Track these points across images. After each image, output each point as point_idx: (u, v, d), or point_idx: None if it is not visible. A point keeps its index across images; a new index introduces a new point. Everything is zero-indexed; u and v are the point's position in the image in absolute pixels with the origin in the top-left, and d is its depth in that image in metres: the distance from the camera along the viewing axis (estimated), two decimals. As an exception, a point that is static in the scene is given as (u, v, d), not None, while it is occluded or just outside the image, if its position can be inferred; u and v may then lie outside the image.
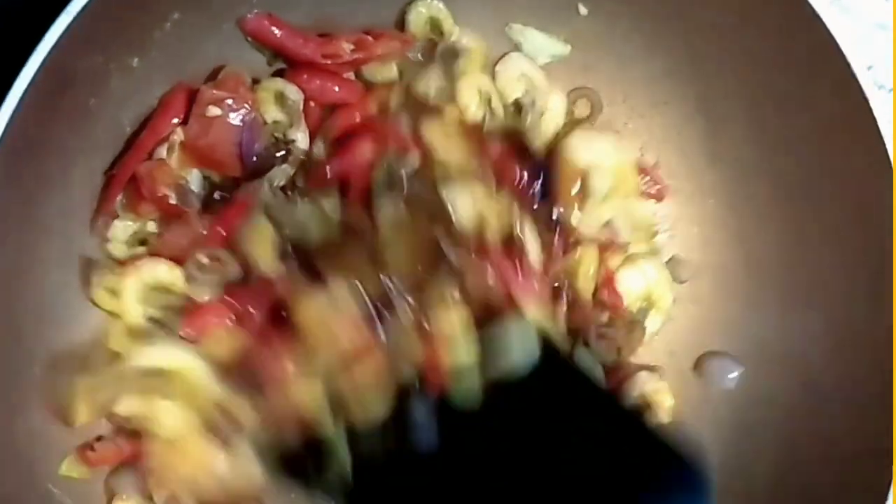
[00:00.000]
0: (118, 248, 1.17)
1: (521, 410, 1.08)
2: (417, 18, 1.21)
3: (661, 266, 1.25)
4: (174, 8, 1.11)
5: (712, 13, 1.15)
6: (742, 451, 1.22)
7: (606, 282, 1.22)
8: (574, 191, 1.20)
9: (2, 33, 1.13)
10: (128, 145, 1.15)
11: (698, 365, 1.25)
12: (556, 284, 1.20)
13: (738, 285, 1.24)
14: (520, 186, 1.20)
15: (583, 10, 1.22)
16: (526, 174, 1.20)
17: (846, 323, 1.15)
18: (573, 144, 1.21)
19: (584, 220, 1.21)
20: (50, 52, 0.99)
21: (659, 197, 1.25)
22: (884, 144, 1.08)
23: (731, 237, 1.24)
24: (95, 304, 1.16)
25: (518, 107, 1.24)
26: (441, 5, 1.21)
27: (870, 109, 1.07)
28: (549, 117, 1.24)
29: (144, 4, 1.09)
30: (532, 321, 1.10)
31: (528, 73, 1.23)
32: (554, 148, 1.22)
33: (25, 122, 1.00)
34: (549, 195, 1.20)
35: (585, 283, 1.21)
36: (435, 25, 1.22)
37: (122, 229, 1.17)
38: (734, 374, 1.24)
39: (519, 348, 1.08)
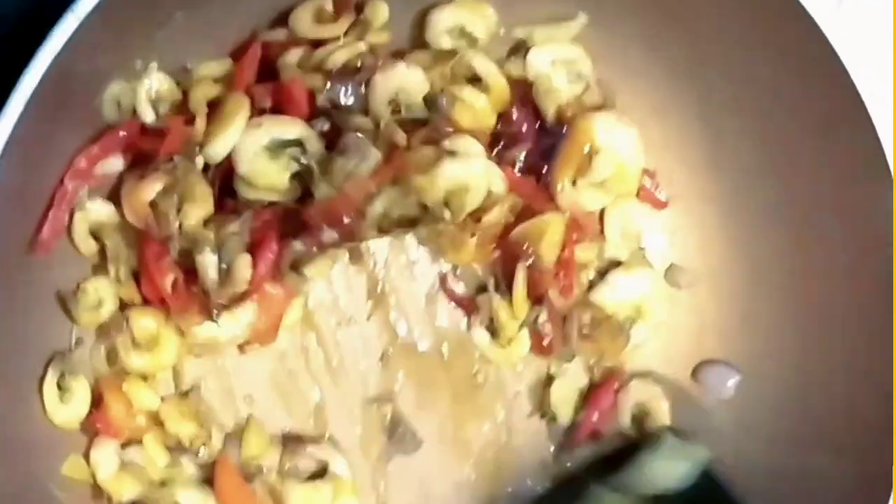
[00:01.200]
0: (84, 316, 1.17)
1: None
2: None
3: (653, 277, 1.25)
4: (177, 9, 1.12)
5: (712, 20, 1.16)
6: (740, 459, 1.22)
7: (566, 263, 1.22)
8: (575, 163, 1.21)
9: (8, 34, 1.15)
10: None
11: (696, 373, 1.26)
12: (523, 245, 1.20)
13: (737, 293, 1.25)
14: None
15: (582, 18, 1.22)
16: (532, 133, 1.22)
17: (846, 329, 1.16)
18: (598, 119, 1.21)
19: (569, 196, 1.21)
20: (56, 54, 1.00)
21: (659, 205, 1.26)
22: (882, 151, 1.08)
23: (730, 244, 1.25)
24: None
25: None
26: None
27: (869, 117, 1.08)
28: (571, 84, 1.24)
29: (148, 6, 1.10)
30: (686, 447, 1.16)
31: (561, 54, 1.23)
32: (572, 117, 1.22)
33: (30, 122, 1.00)
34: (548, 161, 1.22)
35: (548, 250, 1.20)
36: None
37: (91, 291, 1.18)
38: (732, 382, 1.24)
39: (671, 474, 1.16)
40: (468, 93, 1.19)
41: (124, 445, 1.18)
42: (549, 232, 1.19)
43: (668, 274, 1.27)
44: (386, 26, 1.20)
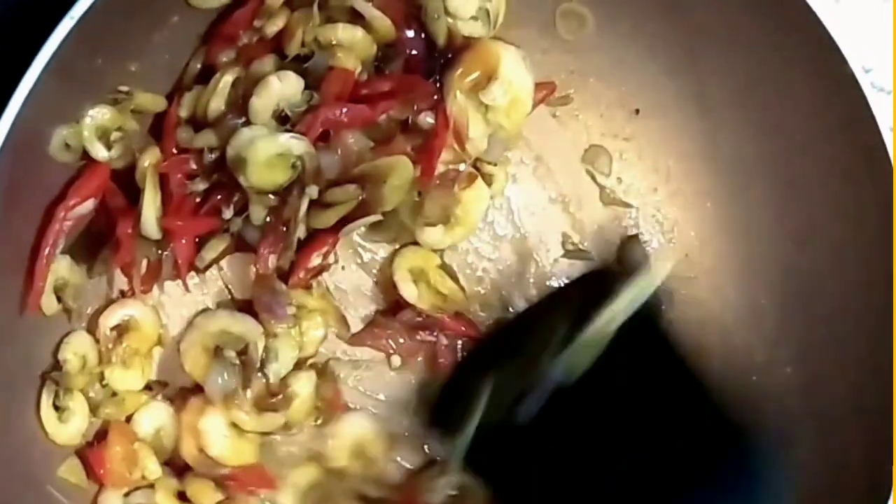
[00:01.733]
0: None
1: (609, 379, 1.12)
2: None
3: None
4: (173, 12, 1.12)
5: (712, 15, 1.15)
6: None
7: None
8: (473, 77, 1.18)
9: (6, 36, 1.14)
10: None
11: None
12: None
13: (736, 289, 1.24)
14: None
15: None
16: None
17: (845, 326, 1.16)
18: (508, 49, 1.18)
19: (460, 104, 1.18)
20: (52, 56, 0.99)
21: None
22: (884, 147, 1.07)
23: (729, 240, 1.24)
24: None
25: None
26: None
27: (870, 112, 1.07)
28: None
29: (144, 8, 1.09)
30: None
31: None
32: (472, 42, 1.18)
33: (27, 125, 1.00)
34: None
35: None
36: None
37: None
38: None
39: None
40: (342, 32, 1.14)
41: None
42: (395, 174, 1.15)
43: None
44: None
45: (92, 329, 1.18)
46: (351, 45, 1.15)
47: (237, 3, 1.14)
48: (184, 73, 1.16)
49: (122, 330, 1.17)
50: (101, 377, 1.17)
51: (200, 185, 1.13)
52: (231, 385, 1.14)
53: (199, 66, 1.16)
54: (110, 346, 1.16)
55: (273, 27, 1.13)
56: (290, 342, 1.16)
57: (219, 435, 1.15)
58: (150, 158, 1.13)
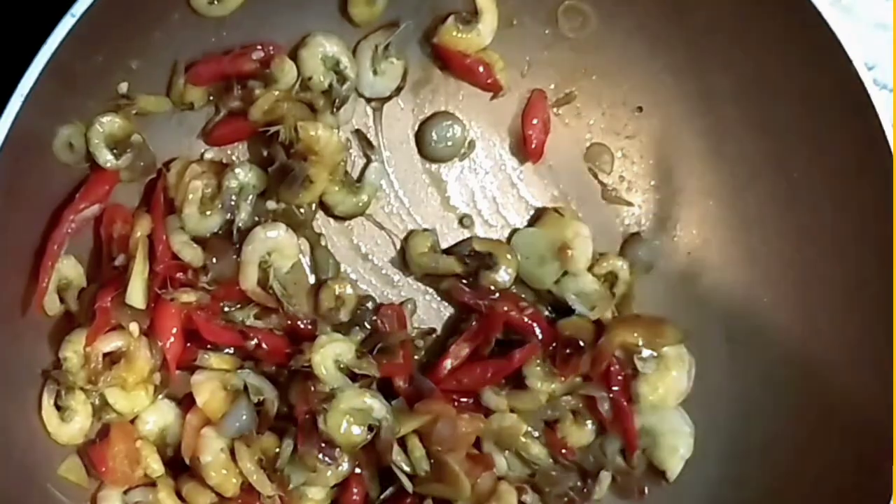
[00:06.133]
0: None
1: None
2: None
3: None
4: (174, 9, 1.11)
5: (714, 13, 1.15)
6: (743, 451, 1.23)
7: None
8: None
9: (7, 34, 1.14)
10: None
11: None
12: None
13: (738, 285, 1.24)
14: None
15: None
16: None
17: (847, 322, 1.16)
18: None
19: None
20: (53, 53, 0.99)
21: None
22: (886, 143, 1.08)
23: (731, 237, 1.24)
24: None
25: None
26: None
27: (872, 109, 1.07)
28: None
29: (145, 5, 1.09)
30: None
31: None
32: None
33: (28, 122, 1.00)
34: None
35: None
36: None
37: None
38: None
39: None
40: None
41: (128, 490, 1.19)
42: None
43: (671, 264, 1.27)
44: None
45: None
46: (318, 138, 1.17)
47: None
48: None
49: (114, 357, 1.16)
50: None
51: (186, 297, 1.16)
52: (247, 427, 1.16)
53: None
54: (98, 369, 1.15)
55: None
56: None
57: (215, 449, 1.16)
58: (142, 229, 1.14)
